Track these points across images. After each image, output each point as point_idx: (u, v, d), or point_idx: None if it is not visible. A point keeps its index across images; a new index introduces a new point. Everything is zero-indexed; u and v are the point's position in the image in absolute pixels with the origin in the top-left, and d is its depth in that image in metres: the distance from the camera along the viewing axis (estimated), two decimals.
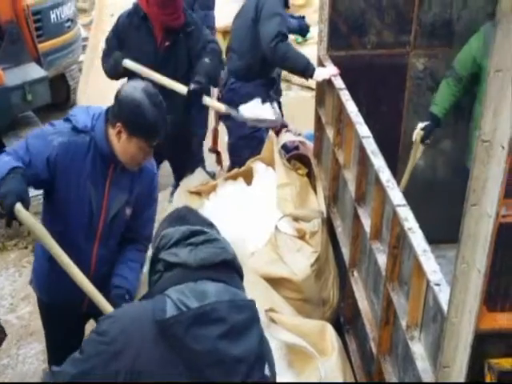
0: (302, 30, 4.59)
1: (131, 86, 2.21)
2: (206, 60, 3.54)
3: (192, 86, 3.40)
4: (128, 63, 3.45)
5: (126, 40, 3.60)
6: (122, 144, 2.19)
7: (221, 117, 4.02)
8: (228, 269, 1.46)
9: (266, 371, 1.46)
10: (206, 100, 3.55)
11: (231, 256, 1.47)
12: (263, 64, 3.80)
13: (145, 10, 3.54)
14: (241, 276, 1.54)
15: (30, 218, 2.07)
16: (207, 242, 1.44)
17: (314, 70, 3.49)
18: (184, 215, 1.60)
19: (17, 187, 2.04)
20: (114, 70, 3.55)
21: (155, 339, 1.34)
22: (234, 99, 3.75)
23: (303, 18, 4.63)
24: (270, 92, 4.03)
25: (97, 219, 2.30)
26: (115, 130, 2.18)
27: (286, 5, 3.81)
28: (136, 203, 2.37)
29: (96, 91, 3.57)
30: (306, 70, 3.53)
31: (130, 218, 2.39)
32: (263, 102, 3.62)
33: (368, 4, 3.50)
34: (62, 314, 2.48)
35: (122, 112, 2.16)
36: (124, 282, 2.32)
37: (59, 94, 6.25)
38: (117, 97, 2.19)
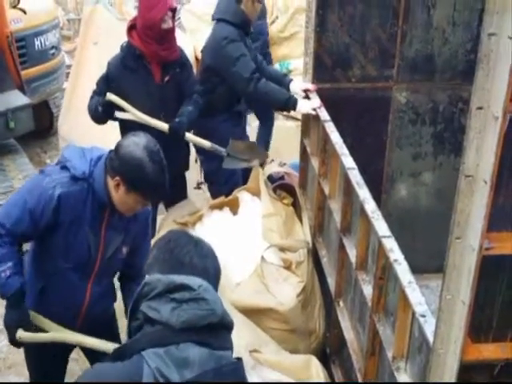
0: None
1: (133, 141, 2.15)
2: (190, 108, 3.57)
3: (174, 123, 3.44)
4: (111, 96, 3.42)
5: (121, 86, 3.51)
6: (119, 196, 2.18)
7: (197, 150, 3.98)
8: (214, 330, 1.33)
9: None
10: (190, 137, 3.57)
11: (218, 318, 1.32)
12: (226, 98, 3.80)
13: (140, 48, 3.47)
14: (230, 331, 1.40)
15: (30, 336, 2.20)
16: (192, 301, 1.29)
17: (295, 102, 3.52)
18: (173, 249, 1.45)
19: (18, 313, 2.19)
20: (94, 111, 3.50)
21: None
22: (200, 135, 3.72)
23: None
24: (237, 128, 3.96)
25: (93, 260, 2.31)
26: (114, 181, 2.16)
27: (246, 33, 3.75)
28: (133, 242, 2.39)
29: (78, 118, 3.54)
30: (287, 104, 3.55)
31: (128, 254, 2.40)
32: (232, 137, 3.69)
33: (352, 39, 3.59)
34: (48, 346, 2.43)
35: (123, 167, 2.13)
36: None
37: (42, 122, 6.24)
38: (117, 150, 2.16)
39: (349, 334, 2.75)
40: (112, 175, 2.16)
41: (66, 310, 2.36)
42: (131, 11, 7.40)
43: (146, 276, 1.40)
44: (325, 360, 3.04)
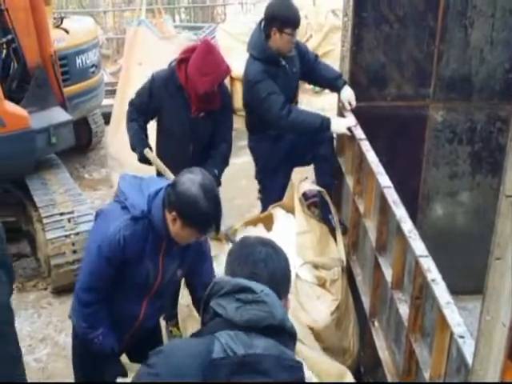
0: None
1: (189, 179, 2.21)
2: (215, 171, 3.49)
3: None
4: (148, 154, 3.42)
5: (159, 104, 3.53)
6: (176, 229, 2.25)
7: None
8: (275, 333, 1.42)
9: None
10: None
11: (278, 321, 1.41)
12: (259, 122, 3.75)
13: (182, 82, 3.45)
14: (292, 337, 1.48)
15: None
16: (254, 302, 1.40)
17: (329, 124, 3.49)
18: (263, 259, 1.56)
19: (114, 373, 2.42)
20: (130, 143, 3.56)
21: (199, 379, 1.35)
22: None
23: None
24: (274, 148, 3.85)
25: (151, 286, 2.43)
26: (171, 216, 2.23)
27: (277, 63, 3.63)
28: (189, 265, 2.51)
29: (126, 137, 3.60)
30: (321, 128, 3.52)
31: (190, 278, 2.58)
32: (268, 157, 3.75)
33: (388, 58, 3.61)
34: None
35: (179, 204, 2.20)
36: None
37: (81, 138, 6.40)
38: (174, 187, 2.23)
39: (384, 353, 2.73)
40: (169, 210, 2.23)
41: (120, 322, 2.48)
42: (172, 30, 7.58)
43: (218, 278, 1.54)
44: (358, 379, 3.01)
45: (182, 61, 3.47)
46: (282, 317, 1.43)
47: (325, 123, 3.50)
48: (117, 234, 2.26)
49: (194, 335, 1.50)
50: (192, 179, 2.20)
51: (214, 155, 3.62)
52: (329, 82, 3.79)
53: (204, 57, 3.37)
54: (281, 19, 3.50)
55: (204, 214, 2.18)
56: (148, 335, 2.60)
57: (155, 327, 2.73)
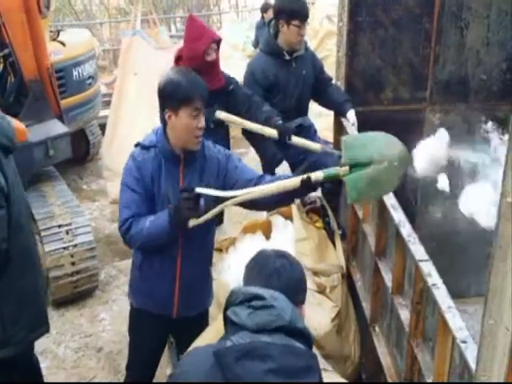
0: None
1: (162, 76, 2.46)
2: (266, 107, 3.47)
3: (281, 126, 3.26)
4: (221, 115, 3.34)
5: None
6: (174, 125, 2.41)
7: None
8: (286, 333, 1.49)
9: None
10: (296, 139, 3.25)
11: (287, 322, 1.49)
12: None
13: None
14: (306, 339, 1.53)
15: (205, 217, 2.39)
16: (264, 308, 1.49)
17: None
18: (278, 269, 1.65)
19: (183, 215, 2.35)
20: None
21: (212, 371, 1.44)
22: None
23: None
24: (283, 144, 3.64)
25: None
26: (167, 117, 2.42)
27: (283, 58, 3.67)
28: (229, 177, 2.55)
29: (122, 147, 3.58)
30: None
31: (233, 179, 2.55)
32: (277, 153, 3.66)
33: (384, 62, 3.60)
34: (150, 321, 2.67)
35: (162, 97, 2.42)
36: None
37: (79, 149, 6.39)
38: (158, 90, 2.44)
39: (385, 359, 2.70)
40: (163, 114, 2.43)
41: (161, 275, 2.55)
42: (167, 40, 7.59)
43: (234, 287, 1.62)
44: None
45: (179, 58, 3.52)
46: (291, 318, 1.49)
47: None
48: (131, 162, 2.50)
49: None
50: (165, 74, 2.45)
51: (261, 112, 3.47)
52: (337, 105, 3.73)
53: (190, 26, 3.45)
54: (288, 11, 3.55)
55: (183, 84, 2.37)
56: (197, 288, 2.63)
57: (203, 278, 2.69)
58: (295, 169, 3.89)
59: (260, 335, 1.46)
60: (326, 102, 3.91)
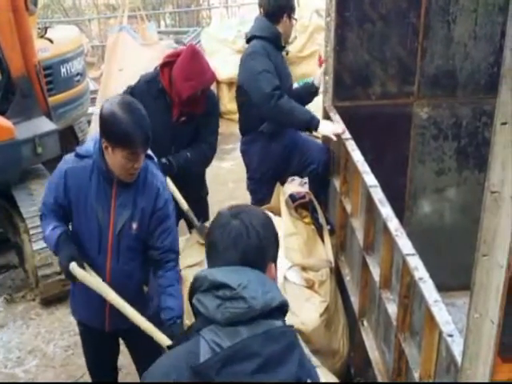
0: (311, 95, 3.98)
1: (108, 102, 2.33)
2: (188, 154, 3.45)
3: (163, 161, 3.30)
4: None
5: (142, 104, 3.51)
6: (110, 157, 2.32)
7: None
8: (261, 318, 1.40)
9: None
10: (172, 187, 3.28)
11: (259, 311, 1.39)
12: (251, 119, 3.73)
13: (165, 85, 3.39)
14: (281, 310, 1.44)
15: (83, 273, 2.37)
16: (233, 299, 1.40)
17: (318, 122, 3.45)
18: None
19: (66, 251, 2.38)
20: None
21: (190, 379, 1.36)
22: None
23: (311, 84, 4.02)
24: (268, 148, 3.77)
25: (106, 235, 2.46)
26: (103, 146, 2.32)
27: (278, 48, 3.72)
28: (142, 218, 2.47)
29: None
30: (310, 124, 3.47)
31: (147, 235, 2.50)
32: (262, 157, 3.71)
33: (372, 56, 3.59)
34: (91, 333, 2.69)
35: (102, 127, 2.31)
36: (172, 312, 2.49)
37: (68, 146, 6.34)
38: (99, 117, 2.34)
39: (374, 354, 2.70)
40: (102, 140, 2.32)
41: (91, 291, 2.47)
42: (154, 36, 7.55)
43: (196, 272, 1.50)
44: (349, 380, 2.99)
45: (166, 64, 3.43)
46: (263, 305, 1.40)
47: (313, 121, 3.45)
48: (60, 167, 2.46)
49: (183, 335, 1.52)
50: (111, 101, 2.31)
51: (193, 147, 3.52)
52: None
53: (188, 62, 3.33)
54: (291, 6, 3.76)
55: (123, 128, 2.22)
56: (128, 303, 2.50)
57: (134, 295, 2.58)
58: (302, 176, 4.01)
59: (233, 327, 1.39)
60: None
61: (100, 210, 2.41)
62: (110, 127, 2.26)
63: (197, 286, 1.46)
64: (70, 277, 2.39)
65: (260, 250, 1.50)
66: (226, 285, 1.41)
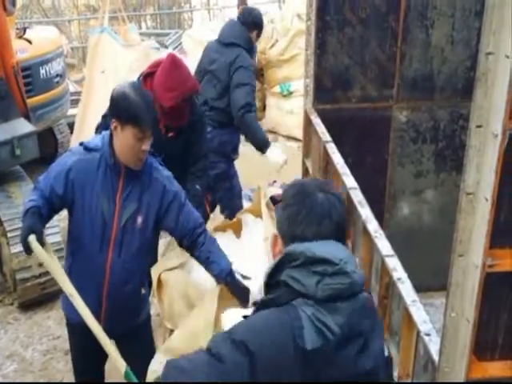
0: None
1: (120, 85, 2.44)
2: (197, 187, 3.49)
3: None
4: None
5: None
6: (119, 139, 2.37)
7: None
8: (358, 294, 1.41)
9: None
10: None
11: (360, 286, 1.40)
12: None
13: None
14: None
15: (39, 249, 2.31)
16: (335, 275, 1.35)
17: (268, 146, 4.02)
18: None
19: (29, 222, 2.32)
20: None
21: (296, 364, 1.32)
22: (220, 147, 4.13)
23: None
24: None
25: (110, 229, 2.44)
26: (113, 126, 2.37)
27: (250, 55, 4.22)
28: (148, 213, 2.48)
29: None
30: (263, 146, 4.02)
31: (170, 226, 2.55)
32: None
33: (352, 60, 3.63)
34: (81, 332, 2.53)
35: (113, 106, 2.39)
36: (225, 271, 2.61)
37: (47, 148, 6.28)
38: (110, 98, 2.42)
39: None
40: (111, 123, 2.38)
41: (89, 283, 2.46)
42: (136, 37, 7.53)
43: (289, 247, 1.43)
44: None
45: (148, 75, 3.36)
46: (362, 278, 1.42)
47: (268, 144, 4.03)
48: (65, 158, 2.47)
49: (261, 303, 1.44)
50: (123, 84, 2.43)
51: (193, 171, 3.53)
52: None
53: (169, 72, 3.26)
54: (262, 28, 4.31)
55: (134, 105, 2.32)
56: (126, 304, 2.56)
57: (130, 301, 2.61)
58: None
59: (333, 303, 1.35)
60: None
61: (106, 202, 2.41)
62: (121, 104, 2.35)
63: (288, 260, 1.39)
64: (27, 249, 2.33)
65: (345, 224, 1.50)
66: (327, 260, 1.37)
